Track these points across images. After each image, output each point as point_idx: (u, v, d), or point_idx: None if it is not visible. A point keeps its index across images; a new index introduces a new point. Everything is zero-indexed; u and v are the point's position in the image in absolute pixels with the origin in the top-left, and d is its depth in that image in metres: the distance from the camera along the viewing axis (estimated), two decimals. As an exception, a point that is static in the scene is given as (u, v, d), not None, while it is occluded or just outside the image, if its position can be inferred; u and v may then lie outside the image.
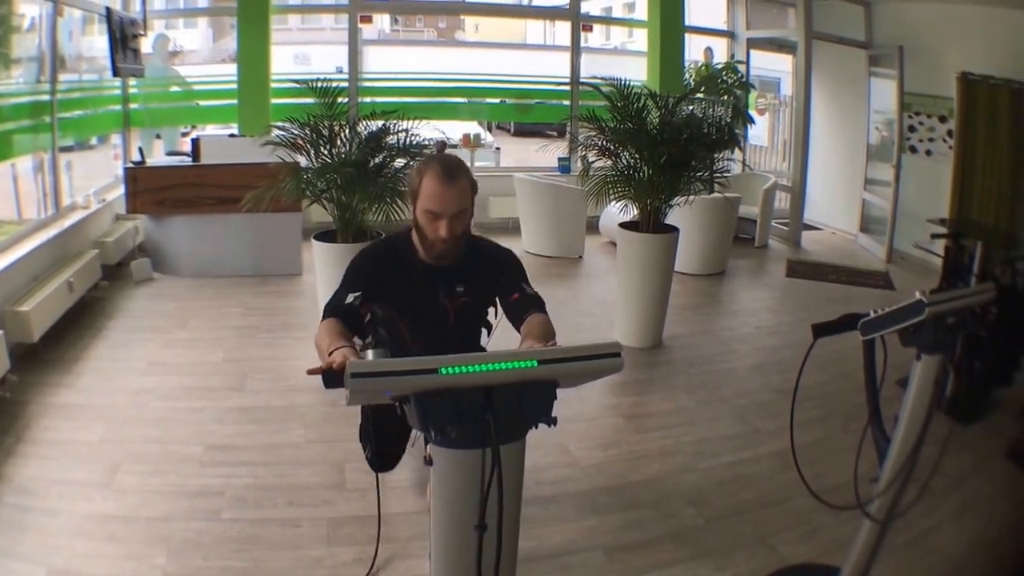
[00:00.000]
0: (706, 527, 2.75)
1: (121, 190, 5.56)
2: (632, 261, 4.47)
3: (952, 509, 2.79)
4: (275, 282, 5.34)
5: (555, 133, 9.69)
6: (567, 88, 7.66)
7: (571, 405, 3.18)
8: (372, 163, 3.77)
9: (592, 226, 6.84)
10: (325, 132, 3.76)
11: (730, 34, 8.45)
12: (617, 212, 6.42)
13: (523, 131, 13.76)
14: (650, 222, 4.39)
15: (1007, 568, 2.61)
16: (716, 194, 5.15)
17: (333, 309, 2.09)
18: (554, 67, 8.35)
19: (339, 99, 3.90)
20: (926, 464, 2.04)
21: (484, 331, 2.47)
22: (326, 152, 3.77)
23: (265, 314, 4.74)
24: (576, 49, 7.64)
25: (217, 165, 5.33)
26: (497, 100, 8.09)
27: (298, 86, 3.99)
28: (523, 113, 8.54)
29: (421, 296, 2.22)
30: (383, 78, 7.50)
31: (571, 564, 2.51)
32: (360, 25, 6.98)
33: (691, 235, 5.60)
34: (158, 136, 7.21)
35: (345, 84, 6.16)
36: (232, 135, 6.22)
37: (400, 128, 3.85)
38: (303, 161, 3.91)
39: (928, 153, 7.07)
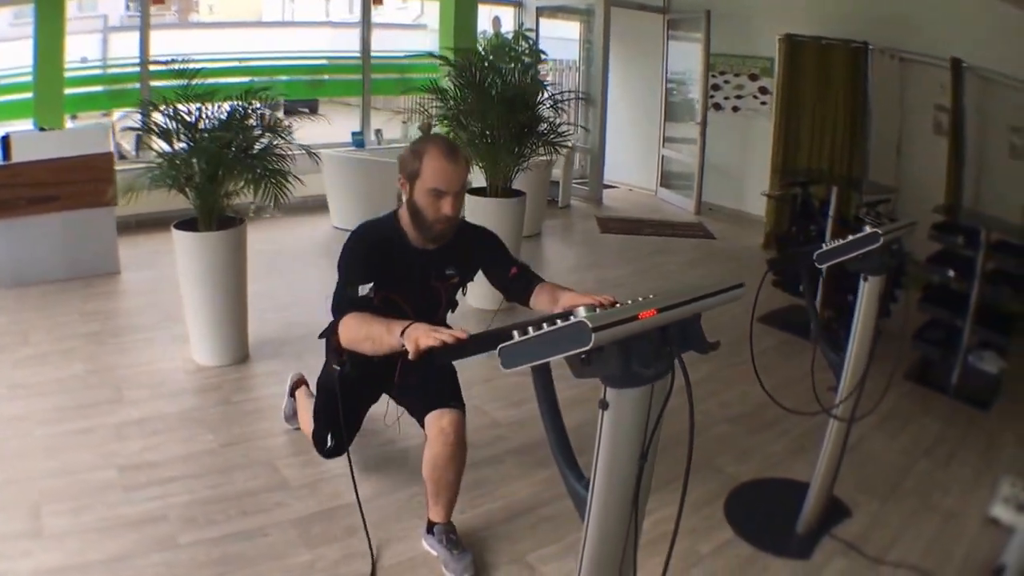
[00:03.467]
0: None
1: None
2: (485, 223, 4.54)
3: (874, 421, 3.15)
4: (97, 283, 4.62)
5: (307, 110, 9.44)
6: (358, 63, 7.41)
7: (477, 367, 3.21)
8: (244, 145, 3.42)
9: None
10: (190, 116, 3.33)
11: (518, 3, 8.53)
12: None
13: (288, 110, 13.29)
14: (499, 188, 4.58)
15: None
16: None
17: (351, 303, 1.99)
18: (302, 43, 8.01)
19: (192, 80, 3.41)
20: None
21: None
22: (187, 136, 3.34)
23: (106, 318, 4.10)
24: (367, 23, 7.34)
25: (31, 163, 4.50)
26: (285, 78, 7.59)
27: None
28: (315, 89, 8.23)
29: (416, 281, 2.18)
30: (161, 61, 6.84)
31: (550, 515, 2.55)
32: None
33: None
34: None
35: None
36: (42, 129, 5.27)
37: (257, 108, 3.54)
38: (159, 148, 3.43)
39: (735, 110, 7.62)
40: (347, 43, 7.71)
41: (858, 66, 6.10)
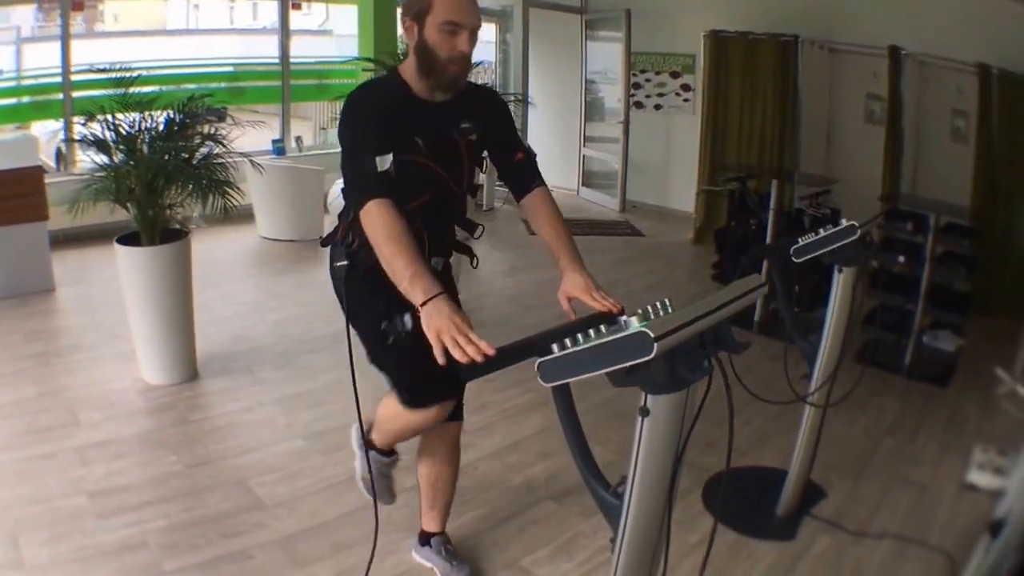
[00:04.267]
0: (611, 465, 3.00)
1: None
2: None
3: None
4: (33, 301, 4.39)
5: (215, 118, 9.24)
6: (278, 69, 7.26)
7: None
8: (186, 154, 3.29)
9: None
10: (132, 126, 3.17)
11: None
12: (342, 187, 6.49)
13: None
14: None
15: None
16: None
17: (375, 184, 1.71)
18: (208, 50, 7.77)
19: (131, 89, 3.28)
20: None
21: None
22: (126, 147, 3.18)
23: (49, 337, 3.91)
24: (286, 29, 7.24)
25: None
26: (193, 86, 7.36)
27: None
28: (236, 96, 7.98)
29: (432, 136, 1.89)
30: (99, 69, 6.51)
31: (534, 519, 2.61)
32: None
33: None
34: None
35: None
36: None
37: (199, 116, 3.41)
38: (99, 161, 3.25)
39: (657, 107, 7.79)
40: (253, 50, 7.52)
41: (788, 59, 6.33)
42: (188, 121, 3.25)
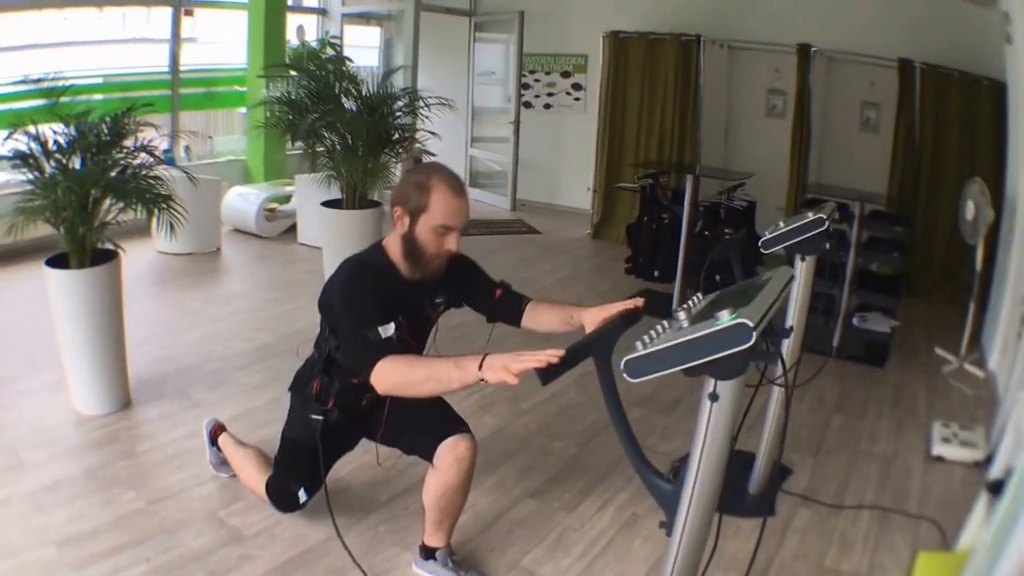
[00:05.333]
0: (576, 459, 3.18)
1: None
2: (339, 237, 4.58)
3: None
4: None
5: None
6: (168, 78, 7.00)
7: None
8: (124, 168, 3.13)
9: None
10: (62, 140, 2.96)
11: (322, 10, 8.60)
12: (235, 196, 6.37)
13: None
14: (355, 198, 4.59)
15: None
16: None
17: (382, 349, 1.91)
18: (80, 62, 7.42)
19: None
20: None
21: None
22: (57, 162, 2.98)
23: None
24: (178, 37, 6.97)
25: None
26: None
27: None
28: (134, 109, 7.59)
29: (415, 313, 2.18)
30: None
31: (519, 518, 2.70)
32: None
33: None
34: None
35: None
36: None
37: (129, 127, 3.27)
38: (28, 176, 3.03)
39: (547, 107, 8.14)
40: (128, 60, 7.17)
41: (690, 58, 6.71)
42: (123, 132, 3.10)
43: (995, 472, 2.16)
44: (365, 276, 2.08)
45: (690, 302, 1.62)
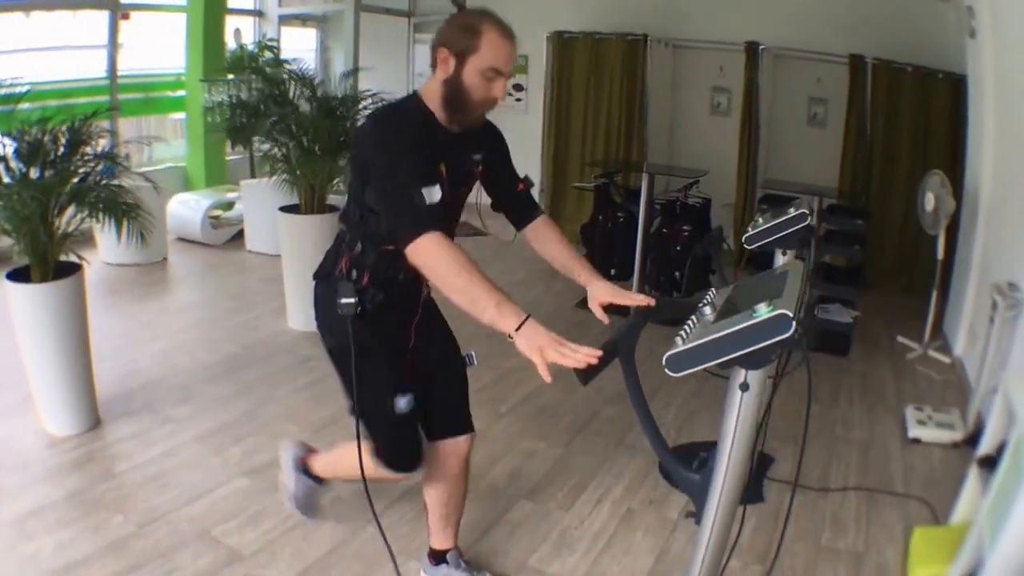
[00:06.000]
0: (563, 458, 3.29)
1: None
2: (298, 243, 4.53)
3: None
4: None
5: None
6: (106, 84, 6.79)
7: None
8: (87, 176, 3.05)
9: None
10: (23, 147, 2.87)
11: (258, 12, 8.52)
12: (178, 204, 6.28)
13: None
14: (314, 203, 4.57)
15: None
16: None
17: (425, 218, 1.72)
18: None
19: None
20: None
21: None
22: (9, 172, 2.89)
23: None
24: (114, 43, 6.74)
25: None
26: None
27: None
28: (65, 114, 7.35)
29: (456, 164, 1.99)
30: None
31: (517, 520, 2.75)
32: None
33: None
34: None
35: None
36: None
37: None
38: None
39: None
40: (60, 67, 6.99)
41: (636, 58, 6.88)
42: (84, 139, 3.03)
43: (985, 448, 2.33)
44: (404, 121, 1.90)
45: (708, 297, 1.70)
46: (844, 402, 3.84)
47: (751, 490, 2.96)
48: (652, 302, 1.94)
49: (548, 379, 1.52)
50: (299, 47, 8.75)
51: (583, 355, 1.51)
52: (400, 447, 2.10)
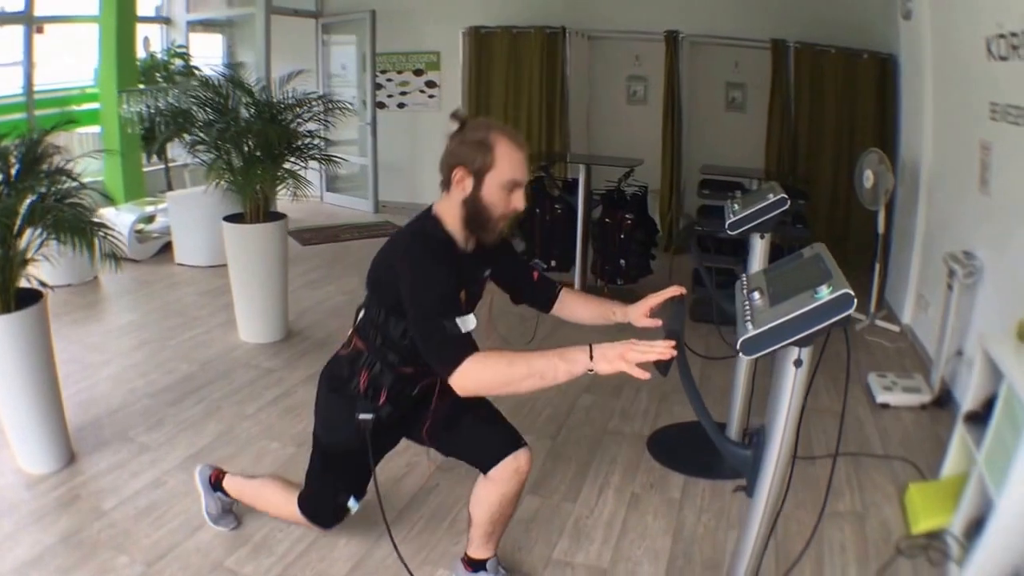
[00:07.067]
0: (554, 450, 3.43)
1: None
2: (246, 253, 4.51)
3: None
4: None
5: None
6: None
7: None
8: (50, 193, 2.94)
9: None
10: None
11: (166, 19, 8.43)
12: (115, 215, 6.13)
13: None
14: (259, 211, 4.54)
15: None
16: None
17: (464, 347, 1.82)
18: None
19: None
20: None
21: None
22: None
23: None
24: (30, 58, 6.58)
25: None
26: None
27: None
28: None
29: (472, 288, 2.10)
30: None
31: (529, 517, 2.84)
32: None
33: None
34: None
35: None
36: None
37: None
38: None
39: (401, 106, 8.31)
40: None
41: (555, 50, 7.09)
42: (40, 156, 2.92)
43: (969, 405, 2.59)
44: (436, 255, 1.94)
45: (741, 284, 1.86)
46: (807, 374, 4.08)
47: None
48: (683, 290, 2.10)
49: (646, 376, 1.65)
50: (205, 53, 8.67)
51: (662, 347, 1.64)
52: (330, 520, 2.41)
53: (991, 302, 3.40)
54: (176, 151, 7.93)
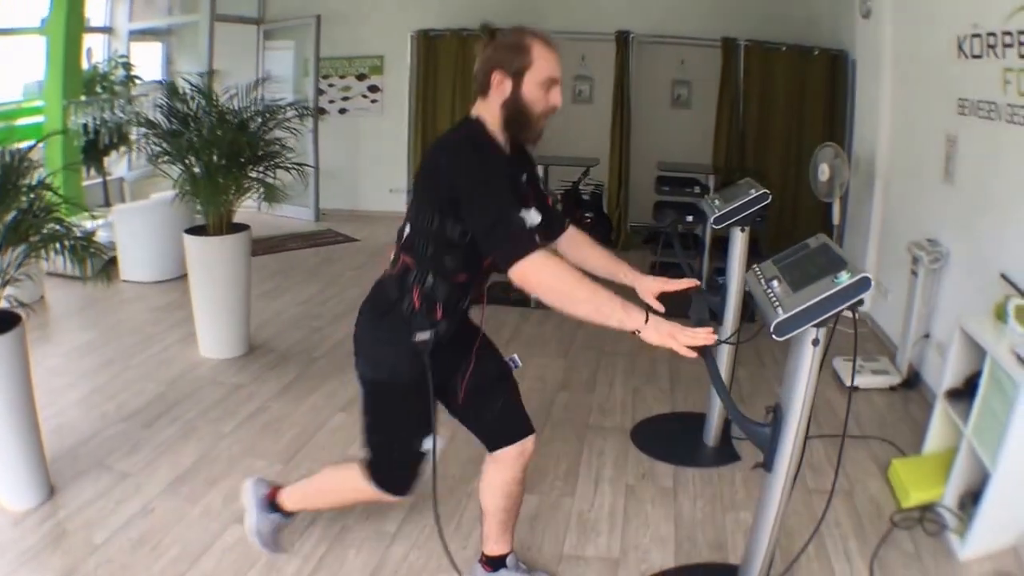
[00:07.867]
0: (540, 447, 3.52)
1: None
2: (209, 267, 4.48)
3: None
4: None
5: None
6: None
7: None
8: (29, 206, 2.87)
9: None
10: None
11: (108, 29, 8.30)
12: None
13: None
14: (222, 224, 4.51)
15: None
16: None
17: (532, 239, 1.82)
18: None
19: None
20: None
21: None
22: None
23: None
24: None
25: None
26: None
27: None
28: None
29: (518, 189, 2.10)
30: None
31: (533, 513, 2.91)
32: None
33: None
34: None
35: None
36: None
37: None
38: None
39: (342, 112, 8.33)
40: None
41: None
42: (21, 170, 2.87)
43: (950, 383, 2.79)
44: (489, 148, 1.99)
45: (756, 274, 2.00)
46: (770, 363, 4.34)
47: (724, 452, 3.32)
48: (698, 283, 2.22)
49: (694, 355, 1.76)
50: (145, 62, 8.58)
51: (704, 334, 1.75)
52: (407, 478, 2.28)
53: (959, 286, 3.60)
54: (113, 164, 7.80)
